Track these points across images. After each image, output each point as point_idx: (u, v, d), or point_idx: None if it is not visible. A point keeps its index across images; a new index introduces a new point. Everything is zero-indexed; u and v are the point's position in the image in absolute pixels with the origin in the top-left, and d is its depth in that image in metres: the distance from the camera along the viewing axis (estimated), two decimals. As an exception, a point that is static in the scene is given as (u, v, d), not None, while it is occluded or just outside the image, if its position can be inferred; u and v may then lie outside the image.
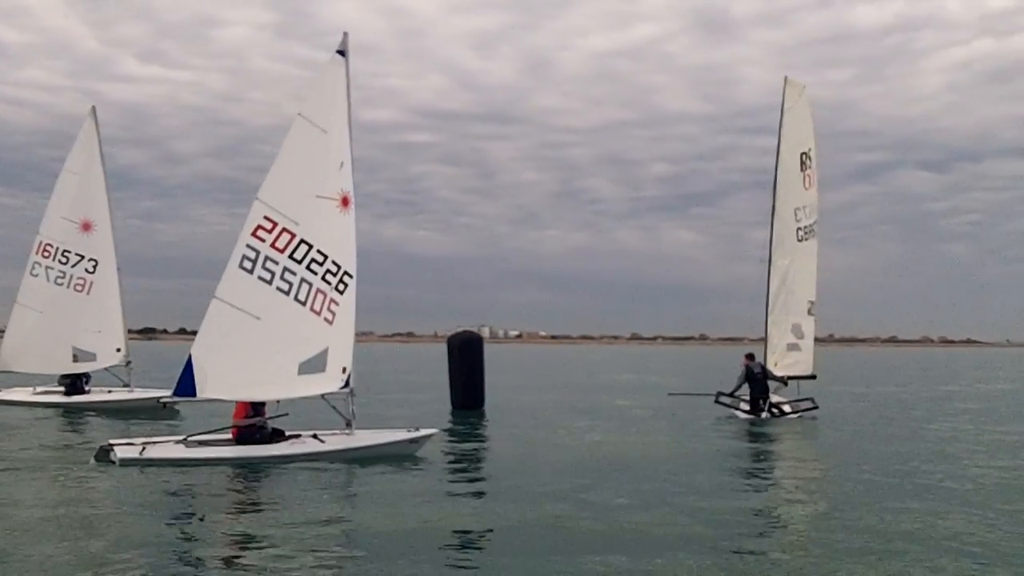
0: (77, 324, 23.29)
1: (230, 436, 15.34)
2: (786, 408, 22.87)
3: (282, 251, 14.92)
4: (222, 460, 14.44)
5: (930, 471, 14.84)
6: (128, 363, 24.02)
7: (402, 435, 16.49)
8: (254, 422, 15.41)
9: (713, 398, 23.35)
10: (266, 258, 14.79)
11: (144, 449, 14.07)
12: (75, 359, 23.50)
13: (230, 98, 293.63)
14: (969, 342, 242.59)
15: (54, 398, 23.66)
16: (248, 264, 14.68)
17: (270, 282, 14.83)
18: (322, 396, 15.97)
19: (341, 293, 15.71)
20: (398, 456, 15.64)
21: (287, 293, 15.01)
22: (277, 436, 15.65)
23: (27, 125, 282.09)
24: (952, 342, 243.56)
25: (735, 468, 15.68)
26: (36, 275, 23.57)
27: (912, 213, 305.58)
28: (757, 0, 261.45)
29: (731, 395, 22.91)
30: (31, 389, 24.26)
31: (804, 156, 23.69)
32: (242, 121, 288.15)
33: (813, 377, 23.85)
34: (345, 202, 15.73)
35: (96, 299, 23.63)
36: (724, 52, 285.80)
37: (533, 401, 29.94)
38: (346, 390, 16.00)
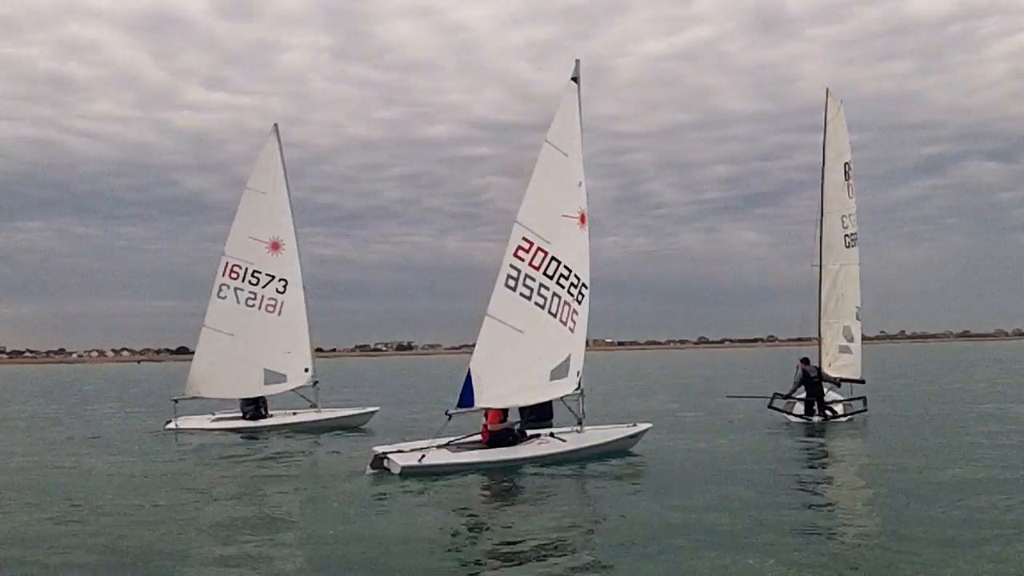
0: (268, 346, 22.61)
1: (480, 439, 16.37)
2: (838, 409, 23.30)
3: (537, 268, 16.08)
4: (490, 463, 15.43)
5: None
6: (315, 383, 23.22)
7: (626, 431, 17.64)
8: (507, 427, 16.48)
9: (768, 401, 23.61)
10: (525, 276, 15.95)
11: (424, 456, 15.08)
12: (265, 382, 22.74)
13: (293, 121, 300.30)
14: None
15: (237, 423, 22.68)
16: (511, 283, 15.85)
17: (529, 298, 16.00)
18: (561, 398, 17.11)
19: (579, 303, 16.84)
20: (620, 451, 16.85)
21: (542, 307, 16.17)
22: (523, 437, 16.68)
23: (98, 156, 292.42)
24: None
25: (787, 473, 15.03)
26: (224, 297, 22.75)
27: (981, 204, 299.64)
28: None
29: (787, 397, 23.30)
30: (208, 417, 23.26)
31: (846, 166, 24.46)
32: (305, 143, 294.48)
33: (862, 382, 24.17)
34: (583, 219, 16.83)
35: (286, 320, 22.94)
36: (781, 50, 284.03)
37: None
38: (578, 392, 17.16)
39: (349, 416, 23.21)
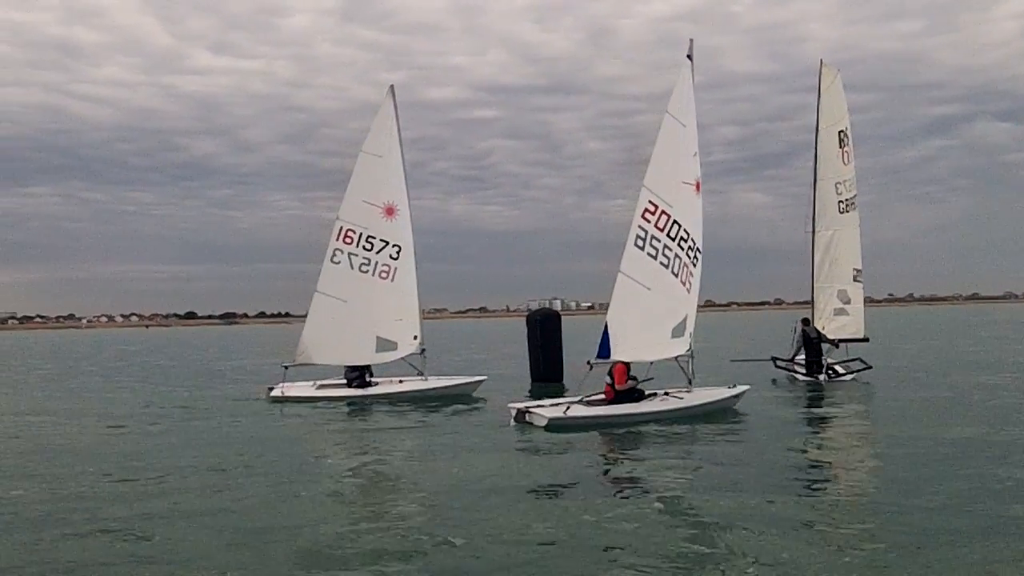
0: (381, 313, 22.24)
1: (603, 396, 17.64)
2: (840, 369, 24.44)
3: (662, 230, 17.42)
4: (622, 416, 16.64)
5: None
6: (423, 351, 22.72)
7: (730, 392, 18.92)
8: (632, 385, 17.80)
9: (771, 363, 25.04)
10: (652, 236, 17.32)
11: (568, 409, 16.46)
12: (377, 349, 22.46)
13: (298, 84, 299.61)
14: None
15: (343, 391, 22.04)
16: (640, 242, 17.24)
17: (655, 257, 17.37)
18: (675, 358, 18.45)
19: (695, 266, 18.20)
20: (726, 409, 18.17)
21: (666, 267, 17.52)
22: (643, 395, 18.04)
23: (105, 121, 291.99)
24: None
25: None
26: (338, 263, 22.36)
27: (990, 165, 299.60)
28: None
29: (791, 360, 24.67)
30: (311, 384, 22.63)
31: (841, 134, 25.48)
32: (311, 107, 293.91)
33: (866, 340, 25.36)
34: (698, 186, 18.17)
35: (399, 286, 22.58)
36: (789, 9, 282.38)
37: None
38: (689, 352, 18.42)
39: (457, 385, 22.83)
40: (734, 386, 19.27)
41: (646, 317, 17.34)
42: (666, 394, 17.94)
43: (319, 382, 22.64)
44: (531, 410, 16.66)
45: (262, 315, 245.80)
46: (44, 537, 8.77)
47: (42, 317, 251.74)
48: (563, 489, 10.95)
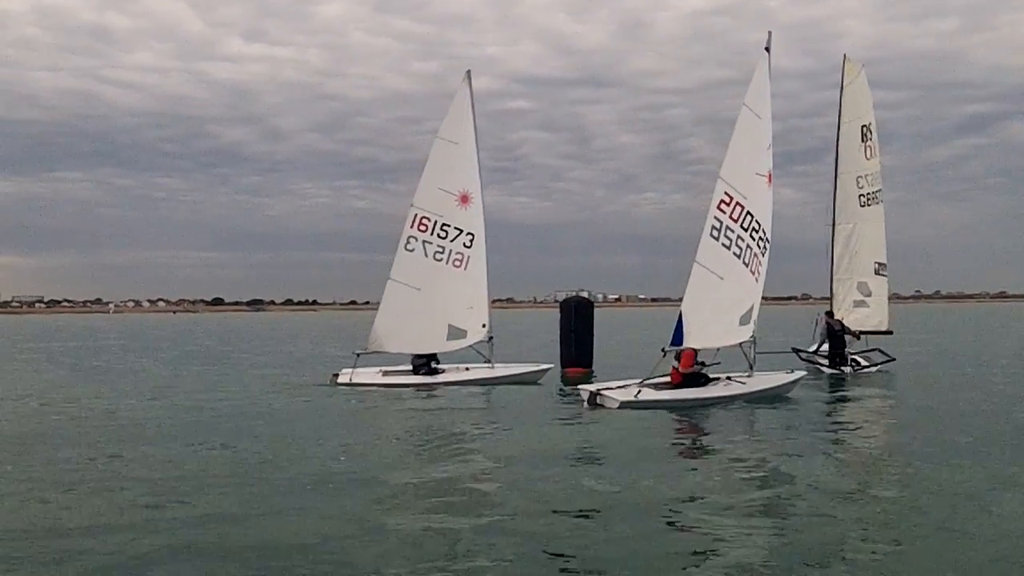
0: (453, 301, 22.16)
1: (669, 380, 18.07)
2: (862, 361, 24.64)
3: (736, 221, 17.67)
4: (689, 400, 17.21)
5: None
6: (491, 339, 22.67)
7: (788, 377, 19.31)
8: (698, 370, 18.15)
9: (794, 355, 25.02)
10: (726, 227, 17.57)
11: (639, 393, 16.88)
12: (448, 337, 22.42)
13: (330, 73, 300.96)
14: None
15: (409, 379, 22.11)
16: (715, 232, 17.49)
17: (729, 247, 17.63)
18: (739, 344, 18.73)
19: (764, 255, 18.39)
20: (783, 395, 18.66)
21: (739, 257, 17.78)
22: (708, 380, 18.37)
23: (137, 107, 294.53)
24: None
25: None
26: (412, 250, 22.25)
27: (1023, 165, 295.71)
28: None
29: (816, 352, 24.84)
30: (377, 371, 22.49)
31: (864, 129, 25.52)
32: (343, 96, 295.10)
33: (889, 333, 25.49)
34: (770, 179, 18.36)
35: (471, 275, 22.48)
36: (825, 6, 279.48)
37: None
38: (751, 339, 18.74)
39: (523, 373, 22.79)
40: (792, 371, 19.80)
41: (718, 306, 17.66)
42: (728, 379, 18.41)
43: (384, 369, 22.66)
44: (602, 393, 17.08)
45: (289, 302, 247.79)
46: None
47: (69, 301, 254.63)
48: (653, 462, 11.50)
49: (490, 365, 22.71)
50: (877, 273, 25.61)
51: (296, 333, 65.38)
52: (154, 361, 33.91)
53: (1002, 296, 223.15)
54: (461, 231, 22.40)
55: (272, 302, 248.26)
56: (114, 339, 57.63)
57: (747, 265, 17.96)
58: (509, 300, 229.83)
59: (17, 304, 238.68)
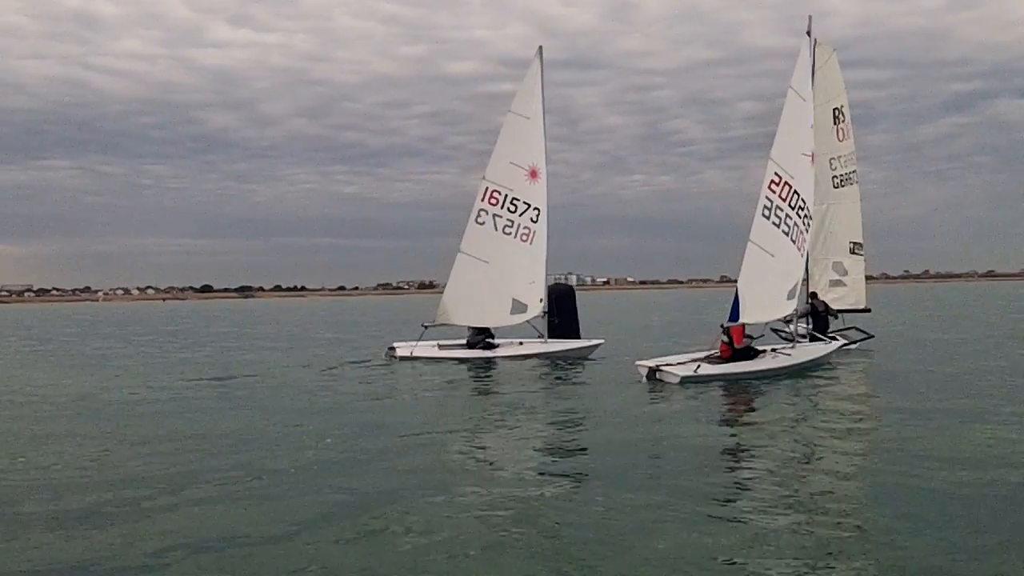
0: (519, 275, 22.49)
1: (719, 355, 18.79)
2: (839, 339, 24.65)
3: (784, 200, 18.42)
4: (745, 373, 17.86)
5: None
6: (545, 314, 22.85)
7: (829, 347, 20.41)
8: (748, 344, 18.89)
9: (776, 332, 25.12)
10: (776, 207, 18.31)
11: (699, 367, 17.54)
12: (511, 311, 22.71)
13: (317, 58, 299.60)
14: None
15: (465, 352, 22.59)
16: (766, 212, 18.24)
17: (778, 226, 18.38)
18: (783, 319, 19.54)
19: (807, 229, 19.19)
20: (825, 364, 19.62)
21: (787, 235, 18.54)
22: (757, 353, 19.13)
23: (123, 94, 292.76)
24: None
25: None
26: (482, 223, 22.57)
27: (1010, 142, 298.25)
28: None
29: (786, 323, 24.82)
30: (433, 344, 22.93)
31: (836, 111, 25.98)
32: (329, 80, 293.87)
33: (867, 310, 26.25)
34: (812, 158, 19.14)
35: (535, 249, 22.79)
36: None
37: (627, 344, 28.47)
38: (794, 312, 19.61)
39: (576, 348, 22.99)
40: (834, 339, 20.78)
41: (770, 282, 18.41)
42: (774, 351, 19.20)
43: (439, 343, 23.09)
44: (661, 368, 17.71)
45: (278, 288, 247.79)
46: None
47: (58, 290, 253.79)
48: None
49: (543, 340, 22.95)
50: (853, 252, 26.12)
51: (300, 320, 65.60)
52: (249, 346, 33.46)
53: (991, 275, 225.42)
54: (529, 205, 22.76)
55: (261, 288, 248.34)
56: (177, 324, 56.79)
57: (794, 242, 18.73)
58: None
59: (6, 293, 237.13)
